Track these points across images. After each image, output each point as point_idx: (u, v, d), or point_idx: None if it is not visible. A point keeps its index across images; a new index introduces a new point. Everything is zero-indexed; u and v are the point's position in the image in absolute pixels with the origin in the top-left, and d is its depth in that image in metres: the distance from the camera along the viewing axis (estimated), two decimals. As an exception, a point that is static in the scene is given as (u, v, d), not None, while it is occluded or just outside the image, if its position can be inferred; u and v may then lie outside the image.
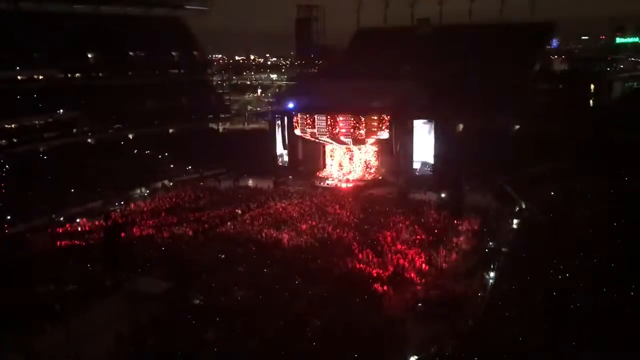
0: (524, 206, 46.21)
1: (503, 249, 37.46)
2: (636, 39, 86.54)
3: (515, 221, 43.15)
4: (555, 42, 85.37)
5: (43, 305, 30.68)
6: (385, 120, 58.68)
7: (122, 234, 38.39)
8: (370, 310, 29.75)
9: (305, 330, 27.53)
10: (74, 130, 65.67)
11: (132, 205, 52.29)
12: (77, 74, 71.58)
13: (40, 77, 67.03)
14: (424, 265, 35.58)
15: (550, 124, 60.71)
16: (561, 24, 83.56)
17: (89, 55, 72.77)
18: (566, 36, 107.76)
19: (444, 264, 36.22)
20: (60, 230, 44.62)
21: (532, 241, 37.05)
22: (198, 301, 31.25)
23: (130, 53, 78.09)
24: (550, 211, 42.72)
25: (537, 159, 54.34)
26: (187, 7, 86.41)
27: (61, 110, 65.64)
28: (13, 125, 60.09)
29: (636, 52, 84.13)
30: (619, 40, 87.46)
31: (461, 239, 40.52)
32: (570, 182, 48.11)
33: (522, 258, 34.72)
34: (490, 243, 39.02)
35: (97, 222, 45.63)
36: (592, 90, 70.19)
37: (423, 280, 33.81)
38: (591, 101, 69.99)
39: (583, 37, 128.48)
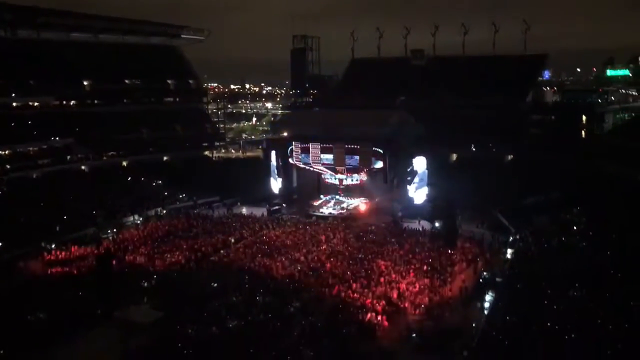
0: (518, 236, 46.24)
1: (497, 279, 37.31)
2: (626, 72, 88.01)
3: (509, 251, 43.10)
4: (547, 74, 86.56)
5: (32, 334, 30.20)
6: (380, 149, 58.86)
7: (114, 262, 38.04)
8: (363, 340, 29.45)
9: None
10: (68, 157, 65.60)
11: (124, 233, 51.83)
12: (73, 101, 71.83)
13: (36, 104, 67.12)
14: (417, 295, 35.32)
15: (543, 154, 61.24)
16: (552, 56, 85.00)
17: (85, 83, 73.08)
18: (557, 68, 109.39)
19: (438, 294, 35.95)
20: (52, 258, 44.10)
21: (526, 271, 36.95)
22: (190, 331, 30.78)
23: (126, 81, 78.57)
24: (544, 241, 42.79)
25: (531, 189, 54.68)
26: (184, 36, 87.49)
27: (56, 137, 65.62)
28: (7, 152, 59.91)
29: (627, 84, 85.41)
30: (610, 72, 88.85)
31: (455, 268, 40.33)
32: (563, 212, 48.36)
33: (517, 288, 34.59)
34: (485, 273, 38.88)
35: (89, 250, 45.23)
36: (584, 122, 70.96)
37: (417, 311, 33.54)
38: (583, 132, 70.68)
39: (575, 70, 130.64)
